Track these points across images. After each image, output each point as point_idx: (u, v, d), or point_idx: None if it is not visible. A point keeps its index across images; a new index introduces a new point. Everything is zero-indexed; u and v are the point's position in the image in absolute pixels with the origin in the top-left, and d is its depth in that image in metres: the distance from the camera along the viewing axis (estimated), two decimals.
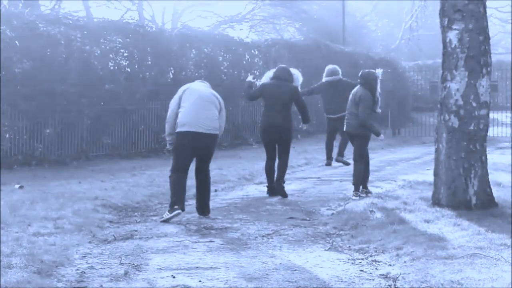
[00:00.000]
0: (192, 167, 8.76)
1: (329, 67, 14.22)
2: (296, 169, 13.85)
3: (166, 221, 8.31)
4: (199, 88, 8.72)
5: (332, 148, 14.26)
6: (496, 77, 28.10)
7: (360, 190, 10.09)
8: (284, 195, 10.17)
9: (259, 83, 10.73)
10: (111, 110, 15.64)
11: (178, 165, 8.57)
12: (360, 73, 10.45)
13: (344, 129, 10.60)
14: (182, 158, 8.55)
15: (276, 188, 10.22)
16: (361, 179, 10.13)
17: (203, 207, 8.75)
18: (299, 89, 10.52)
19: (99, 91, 15.32)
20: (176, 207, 8.37)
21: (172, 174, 8.58)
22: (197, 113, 8.45)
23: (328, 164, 14.19)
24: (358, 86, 10.31)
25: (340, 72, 14.04)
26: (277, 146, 10.32)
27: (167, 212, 8.47)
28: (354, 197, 9.92)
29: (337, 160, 14.08)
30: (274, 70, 10.56)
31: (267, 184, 10.48)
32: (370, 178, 10.67)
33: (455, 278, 5.51)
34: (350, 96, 10.34)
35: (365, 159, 10.31)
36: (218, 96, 8.81)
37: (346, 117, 10.43)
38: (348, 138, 10.92)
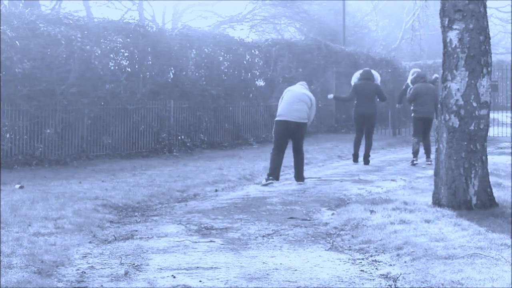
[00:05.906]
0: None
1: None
2: None
3: (266, 185, 11.14)
4: (295, 90, 11.62)
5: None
6: (497, 77, 28.04)
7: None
8: (368, 163, 14.21)
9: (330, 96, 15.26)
10: (111, 110, 15.63)
11: (276, 145, 11.48)
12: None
13: (424, 116, 14.20)
14: (278, 139, 11.46)
15: (364, 159, 14.29)
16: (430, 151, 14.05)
17: (298, 176, 11.50)
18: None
19: (99, 91, 15.30)
20: (271, 177, 11.25)
21: (272, 152, 11.49)
22: (290, 107, 11.35)
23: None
24: (428, 84, 14.38)
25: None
26: (364, 128, 14.32)
27: (264, 179, 11.38)
28: (427, 163, 13.97)
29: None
30: (360, 72, 14.54)
31: (353, 153, 14.59)
32: (371, 177, 11.92)
33: (456, 278, 5.51)
34: (426, 91, 14.13)
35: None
36: (310, 95, 11.67)
37: (425, 109, 14.14)
38: (424, 123, 14.39)
